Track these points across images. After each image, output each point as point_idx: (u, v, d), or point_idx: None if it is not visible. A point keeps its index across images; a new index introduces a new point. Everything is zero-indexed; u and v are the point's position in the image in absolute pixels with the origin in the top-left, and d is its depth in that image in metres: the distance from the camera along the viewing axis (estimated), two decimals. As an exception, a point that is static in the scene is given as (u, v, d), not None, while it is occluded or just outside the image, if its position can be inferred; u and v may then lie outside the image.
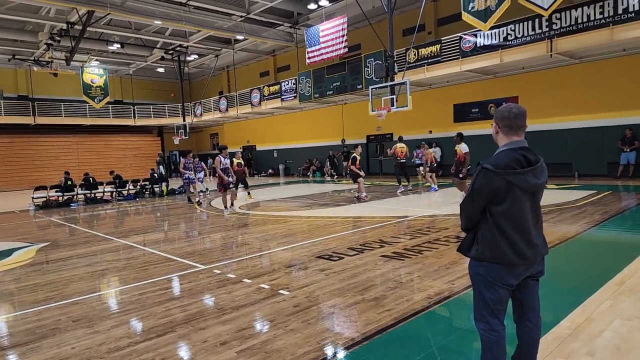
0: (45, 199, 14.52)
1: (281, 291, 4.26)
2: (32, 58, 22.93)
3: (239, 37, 22.43)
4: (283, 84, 22.21)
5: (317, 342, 3.08)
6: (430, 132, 18.76)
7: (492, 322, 2.14)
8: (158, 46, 24.59)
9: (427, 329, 3.29)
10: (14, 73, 25.80)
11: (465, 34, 14.61)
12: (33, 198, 14.55)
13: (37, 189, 14.67)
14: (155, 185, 17.41)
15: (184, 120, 27.30)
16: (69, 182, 15.66)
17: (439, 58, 15.47)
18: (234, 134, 30.38)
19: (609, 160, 13.90)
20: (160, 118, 29.30)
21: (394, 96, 14.43)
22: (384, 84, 15.24)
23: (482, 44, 14.21)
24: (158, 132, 31.53)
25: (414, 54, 16.12)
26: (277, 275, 4.84)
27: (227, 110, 25.98)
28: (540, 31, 12.88)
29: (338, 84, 19.03)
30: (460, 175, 10.06)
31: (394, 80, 15.17)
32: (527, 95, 15.34)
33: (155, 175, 17.78)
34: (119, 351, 3.10)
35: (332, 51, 17.82)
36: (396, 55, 15.99)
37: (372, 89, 15.45)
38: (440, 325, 3.37)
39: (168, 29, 21.89)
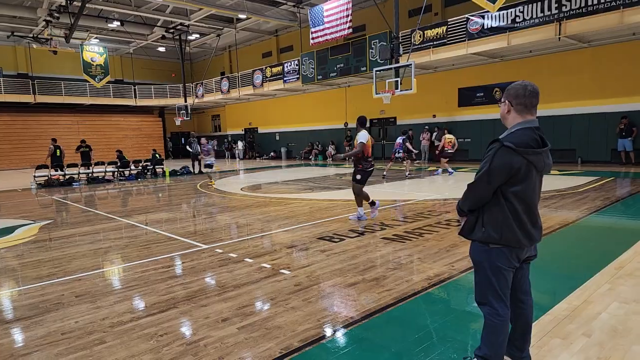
0: (47, 178, 14.55)
1: (282, 271, 4.29)
2: (31, 35, 22.63)
3: (241, 16, 22.06)
4: (286, 65, 21.95)
5: (317, 319, 3.12)
6: (434, 116, 18.61)
7: (497, 306, 2.12)
8: (159, 24, 24.21)
9: (426, 309, 3.32)
10: (13, 50, 25.53)
11: (472, 16, 14.33)
12: (35, 177, 14.59)
13: (39, 167, 14.69)
14: (157, 166, 17.42)
15: (185, 101, 27.10)
16: (58, 152, 15.43)
17: (445, 40, 15.22)
18: (236, 115, 30.20)
19: (613, 146, 13.83)
20: (161, 98, 29.10)
21: (399, 79, 14.26)
22: (388, 66, 15.04)
23: (489, 26, 13.95)
24: (159, 112, 31.38)
25: (420, 36, 15.85)
26: (278, 256, 4.88)
27: (228, 91, 25.77)
28: (549, 13, 12.62)
29: (342, 65, 18.79)
30: (358, 177, 6.61)
31: (398, 62, 14.97)
32: (532, 79, 14.93)
33: (157, 155, 17.78)
34: (121, 325, 3.14)
35: (336, 32, 17.53)
36: (401, 36, 15.74)
37: (376, 71, 15.26)
38: (439, 306, 3.40)
39: (169, 6, 21.50)
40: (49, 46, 21.44)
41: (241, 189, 11.70)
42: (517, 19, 13.27)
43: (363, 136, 6.39)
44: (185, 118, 26.29)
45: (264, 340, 2.84)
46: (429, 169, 15.17)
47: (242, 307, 3.42)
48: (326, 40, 18.13)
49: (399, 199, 8.74)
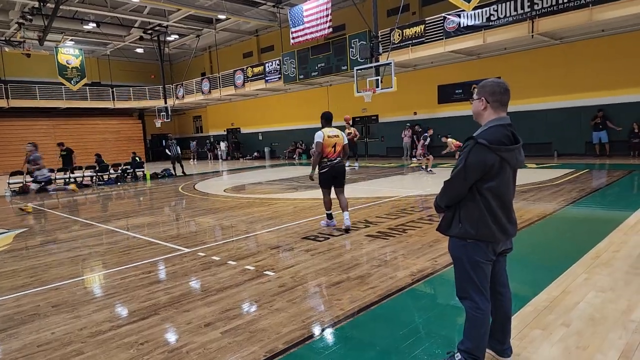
0: (21, 185, 14.10)
1: (266, 272, 4.26)
2: (3, 38, 21.91)
3: (221, 17, 21.83)
4: (267, 65, 21.83)
5: (302, 320, 3.10)
6: (415, 113, 18.80)
7: (478, 300, 2.15)
8: (136, 25, 23.76)
9: (411, 305, 3.34)
10: (-16, 54, 24.68)
11: (449, 14, 14.53)
12: (9, 184, 14.13)
13: (13, 174, 14.23)
14: (137, 169, 17.10)
15: (165, 103, 26.67)
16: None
17: (423, 39, 15.39)
18: (218, 116, 29.89)
19: (587, 139, 14.22)
20: (140, 100, 28.55)
21: (379, 77, 14.36)
22: (368, 65, 15.13)
23: (465, 25, 14.18)
24: (139, 114, 30.79)
25: (399, 35, 15.98)
26: (262, 257, 4.84)
27: (210, 92, 25.48)
28: (522, 11, 12.91)
29: (323, 64, 18.80)
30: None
31: (378, 61, 15.06)
32: (508, 75, 15.43)
33: (137, 159, 17.46)
34: (100, 335, 3.06)
35: (316, 31, 17.53)
36: (381, 35, 15.84)
37: (357, 70, 15.32)
38: (423, 301, 3.43)
39: (146, 7, 21.11)
40: (22, 49, 20.79)
41: (224, 191, 11.58)
42: (492, 18, 13.52)
43: (318, 135, 5.70)
44: (165, 120, 25.88)
45: (248, 343, 2.80)
46: (411, 165, 15.32)
47: (225, 310, 3.38)
48: (306, 40, 18.11)
49: (383, 195, 8.79)
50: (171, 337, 3.00)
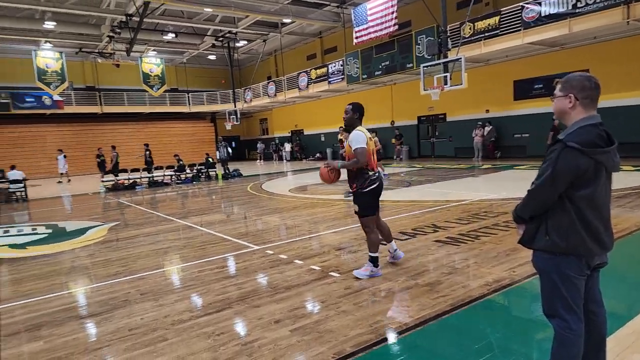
0: (113, 182, 15.66)
1: (332, 273, 4.29)
2: (97, 50, 24.46)
3: (286, 20, 22.44)
4: (330, 66, 22.01)
5: (369, 324, 3.08)
6: (487, 111, 17.79)
7: (569, 319, 1.94)
8: (209, 34, 25.24)
9: (486, 317, 3.16)
10: (81, 65, 27.72)
11: (527, 3, 13.52)
12: (103, 181, 15.74)
13: (107, 173, 15.85)
14: (210, 169, 18.16)
15: (235, 106, 28.02)
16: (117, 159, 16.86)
17: (498, 31, 14.49)
18: (282, 118, 30.76)
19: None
20: (212, 105, 30.34)
21: (448, 74, 13.79)
22: (436, 62, 14.59)
23: (547, 13, 13.09)
24: (211, 118, 32.70)
25: (470, 28, 15.22)
26: (327, 258, 4.88)
27: (275, 95, 26.29)
28: (615, -5, 11.62)
29: (387, 63, 18.50)
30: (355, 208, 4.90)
31: (447, 57, 14.47)
32: (598, 67, 13.99)
33: (210, 159, 18.52)
34: (181, 323, 3.29)
35: (380, 30, 17.29)
36: (450, 30, 15.20)
37: (423, 67, 14.87)
38: (500, 315, 3.22)
39: (218, 15, 22.36)
40: (112, 60, 23.10)
41: (289, 191, 11.88)
42: (579, 4, 12.32)
43: (359, 137, 3.99)
44: (235, 122, 27.19)
45: (316, 344, 2.84)
46: (484, 166, 14.52)
47: (293, 309, 3.46)
48: (370, 39, 17.95)
49: (452, 199, 8.43)
50: (244, 330, 3.13)
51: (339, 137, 14.02)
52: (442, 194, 9.31)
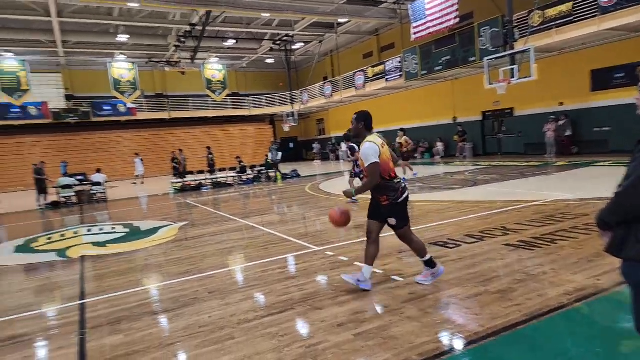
0: (181, 184, 16.66)
1: (394, 277, 4.18)
2: (164, 59, 26.18)
3: (342, 20, 22.43)
4: (387, 63, 21.63)
5: (435, 332, 2.95)
6: (561, 104, 16.44)
7: None
8: (266, 38, 26.00)
9: (567, 330, 2.89)
10: (151, 74, 29.83)
11: (606, -15, 12.28)
12: (172, 183, 16.81)
13: (181, 174, 16.92)
14: (269, 171, 18.67)
15: (292, 108, 28.57)
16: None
17: (572, 17, 13.32)
18: (339, 118, 30.80)
19: None
20: (271, 107, 31.22)
21: (515, 66, 12.93)
22: (502, 54, 13.76)
23: (629, -5, 11.80)
24: (270, 120, 33.64)
25: (539, 16, 14.14)
26: (389, 261, 4.77)
27: (331, 95, 26.39)
28: None
29: (448, 58, 17.78)
30: (392, 221, 4.43)
31: (513, 48, 13.58)
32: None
33: (269, 161, 19.03)
34: (247, 323, 3.38)
35: (440, 24, 16.68)
36: (516, 20, 14.25)
37: (487, 60, 14.09)
38: (584, 328, 2.93)
39: (275, 20, 22.94)
40: (178, 68, 24.60)
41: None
42: (671, -20, 10.96)
43: (370, 152, 3.66)
44: (293, 124, 27.72)
45: (381, 350, 2.77)
46: (558, 163, 13.43)
47: (356, 312, 3.41)
48: (429, 33, 17.37)
49: (522, 199, 7.88)
50: (307, 333, 3.14)
51: (398, 140, 13.73)
52: (511, 193, 8.73)
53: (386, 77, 21.71)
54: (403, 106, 24.35)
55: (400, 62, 20.56)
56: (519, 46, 13.46)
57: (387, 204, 3.79)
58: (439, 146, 21.63)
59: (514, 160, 15.96)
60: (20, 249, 7.42)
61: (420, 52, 19.07)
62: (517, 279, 3.82)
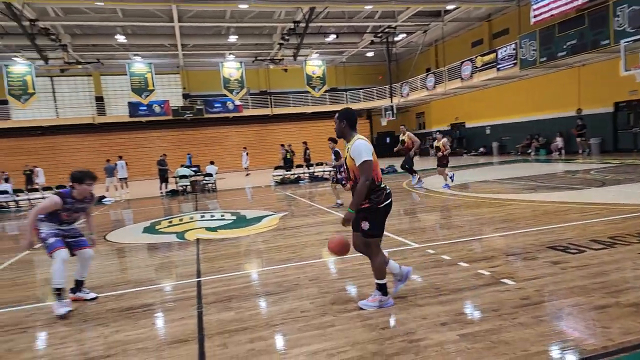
0: (281, 177, 17.60)
1: (504, 280, 3.86)
2: (269, 57, 27.76)
3: (450, 7, 21.27)
4: (500, 51, 19.93)
5: (554, 342, 2.66)
6: None
7: None
8: (368, 31, 25.86)
9: None
10: (256, 72, 31.86)
11: None
12: (273, 176, 17.85)
13: (277, 168, 17.90)
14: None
15: (392, 102, 28.06)
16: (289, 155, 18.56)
17: None
18: (441, 111, 29.40)
19: None
20: (369, 101, 31.07)
21: (661, 47, 10.91)
22: (643, 33, 11.71)
23: None
24: (367, 114, 33.54)
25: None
26: (497, 263, 4.43)
27: (434, 87, 25.29)
28: None
29: (574, 42, 15.69)
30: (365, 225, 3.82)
31: (660, 25, 11.45)
32: None
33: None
34: (347, 312, 3.43)
35: (566, 3, 14.79)
36: (665, -10, 11.99)
37: (624, 43, 12.11)
38: None
39: (378, 12, 22.68)
40: (281, 65, 25.90)
41: (450, 189, 11.26)
42: None
43: (363, 149, 3.35)
44: (391, 118, 27.23)
45: (490, 354, 2.60)
46: None
47: (459, 313, 3.24)
48: (552, 15, 15.52)
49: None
50: (408, 328, 3.07)
51: (435, 144, 11.48)
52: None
53: (498, 66, 20.05)
54: (515, 97, 22.26)
55: (514, 49, 18.79)
56: (668, 22, 11.30)
57: (367, 207, 3.44)
58: (558, 141, 19.27)
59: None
60: (146, 230, 8.57)
61: (539, 36, 17.17)
62: (660, 294, 3.25)
